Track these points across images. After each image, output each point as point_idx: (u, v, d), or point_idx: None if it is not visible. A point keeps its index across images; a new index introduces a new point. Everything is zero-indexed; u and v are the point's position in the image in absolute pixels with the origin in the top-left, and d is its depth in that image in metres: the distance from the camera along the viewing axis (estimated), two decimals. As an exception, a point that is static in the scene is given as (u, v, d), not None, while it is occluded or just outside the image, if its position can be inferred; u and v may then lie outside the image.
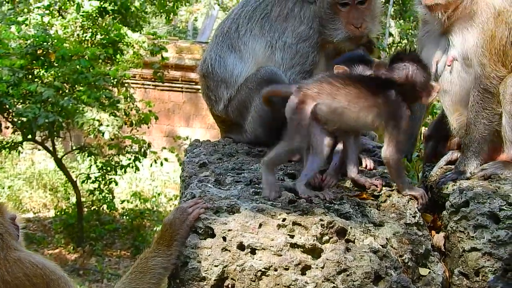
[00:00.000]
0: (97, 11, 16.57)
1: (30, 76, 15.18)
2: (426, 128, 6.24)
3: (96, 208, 18.58)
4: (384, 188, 4.70)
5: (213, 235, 4.07)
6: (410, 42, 25.85)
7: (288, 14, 5.81)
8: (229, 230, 4.05)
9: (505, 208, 4.30)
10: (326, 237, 4.09)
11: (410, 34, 25.97)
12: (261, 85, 5.53)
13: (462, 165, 4.98)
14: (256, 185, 4.65)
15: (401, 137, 4.62)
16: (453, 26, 5.10)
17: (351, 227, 4.19)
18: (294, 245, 4.03)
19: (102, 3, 16.49)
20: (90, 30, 16.59)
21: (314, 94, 4.44)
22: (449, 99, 5.23)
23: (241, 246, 4.02)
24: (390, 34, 26.02)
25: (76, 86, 15.42)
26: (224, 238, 4.04)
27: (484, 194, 4.44)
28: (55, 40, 15.12)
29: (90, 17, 16.55)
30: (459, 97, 5.13)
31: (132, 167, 17.11)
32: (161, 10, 19.15)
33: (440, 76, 5.20)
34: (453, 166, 5.14)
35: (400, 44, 27.16)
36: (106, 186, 17.58)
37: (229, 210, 4.21)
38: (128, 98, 16.62)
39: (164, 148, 18.86)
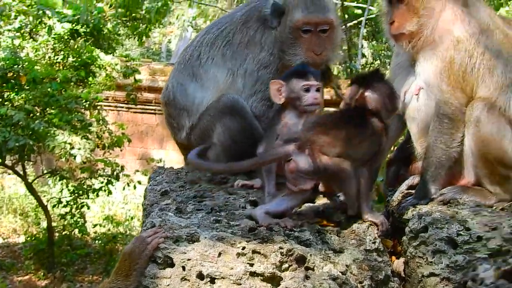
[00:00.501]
0: (69, 33, 16.45)
1: (0, 100, 15.04)
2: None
3: (68, 233, 18.29)
4: (344, 214, 4.73)
5: (172, 265, 4.04)
6: (383, 63, 26.12)
7: (249, 41, 5.85)
8: (189, 259, 4.02)
9: (463, 233, 4.34)
10: (286, 265, 4.09)
11: (383, 55, 26.24)
12: (222, 113, 5.56)
13: (420, 190, 5.05)
14: (217, 213, 4.67)
15: (378, 160, 4.73)
16: (418, 55, 5.20)
17: (310, 255, 4.19)
18: (253, 274, 4.01)
19: (74, 25, 16.37)
20: (62, 52, 16.43)
21: (320, 147, 4.44)
22: (415, 126, 5.31)
23: (200, 275, 3.99)
24: (363, 55, 26.19)
25: (47, 109, 15.23)
26: (184, 268, 4.01)
27: (442, 219, 4.48)
28: (26, 63, 14.94)
29: (62, 39, 16.43)
30: (424, 124, 5.21)
31: (105, 190, 16.94)
32: (134, 33, 19.08)
33: (408, 105, 5.28)
34: (413, 191, 5.20)
35: (373, 65, 27.40)
36: (78, 210, 17.34)
37: (189, 239, 4.19)
38: (101, 120, 16.49)
39: (137, 171, 18.75)
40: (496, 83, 5.00)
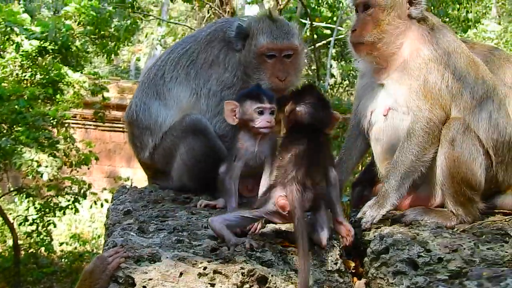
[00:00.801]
0: (37, 50, 16.33)
1: (-34, 116, 14.93)
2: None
3: (34, 251, 18.16)
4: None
5: (133, 285, 4.01)
6: (351, 83, 26.33)
7: (213, 61, 5.85)
8: (150, 279, 4.00)
9: (423, 255, 4.37)
10: (247, 285, 4.09)
11: (351, 75, 26.44)
12: (186, 133, 5.55)
13: (381, 197, 5.02)
14: (179, 233, 4.64)
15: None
16: (389, 76, 5.22)
17: (272, 275, 4.19)
18: (214, 294, 4.02)
19: (42, 42, 16.26)
20: (30, 69, 16.31)
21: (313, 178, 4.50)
22: (380, 147, 5.33)
23: (161, 296, 3.98)
24: (332, 75, 26.35)
25: (14, 126, 15.12)
26: (145, 288, 4.01)
27: (403, 241, 4.51)
28: (-6, 80, 14.93)
29: (30, 56, 16.30)
30: (390, 145, 5.22)
31: (72, 208, 16.86)
32: (103, 50, 18.99)
33: (373, 125, 5.31)
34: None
35: (342, 85, 27.58)
36: (44, 228, 17.19)
37: (150, 258, 4.17)
38: (68, 138, 16.44)
39: (105, 189, 18.67)
40: (465, 103, 5.07)
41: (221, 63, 5.84)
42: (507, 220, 5.08)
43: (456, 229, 4.90)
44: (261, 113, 4.98)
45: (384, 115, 5.22)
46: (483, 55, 5.88)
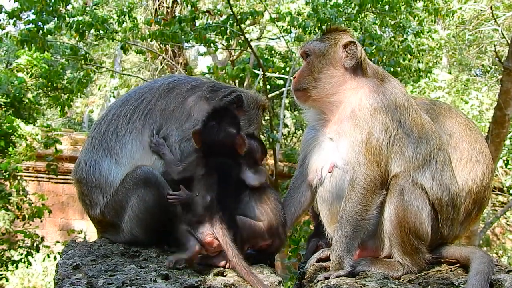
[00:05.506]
0: (-12, 104, 16.38)
1: None
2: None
3: (-15, 306, 17.84)
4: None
5: None
6: (306, 132, 26.46)
7: (176, 108, 5.85)
8: (98, 336, 4.01)
9: (370, 306, 4.39)
10: None
11: (304, 125, 26.54)
12: (137, 185, 5.49)
13: (336, 263, 4.98)
14: (128, 287, 4.64)
15: None
16: (337, 129, 5.23)
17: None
18: None
19: (-6, 95, 16.31)
20: (-18, 123, 16.29)
21: None
22: (327, 209, 5.33)
23: None
24: (286, 125, 26.53)
25: (-35, 179, 15.08)
26: None
27: (349, 292, 4.51)
28: None
29: (-19, 110, 16.34)
30: (338, 207, 5.18)
31: (24, 262, 16.63)
32: (56, 103, 18.94)
33: (321, 184, 5.33)
34: (324, 264, 5.25)
35: (295, 135, 27.75)
36: (-4, 283, 16.97)
37: (98, 315, 4.18)
38: (21, 191, 16.30)
39: (58, 242, 18.45)
40: (408, 163, 5.07)
41: (187, 110, 5.82)
42: (452, 269, 5.15)
43: (402, 279, 4.94)
44: None
45: (329, 172, 5.23)
46: (424, 105, 5.99)
